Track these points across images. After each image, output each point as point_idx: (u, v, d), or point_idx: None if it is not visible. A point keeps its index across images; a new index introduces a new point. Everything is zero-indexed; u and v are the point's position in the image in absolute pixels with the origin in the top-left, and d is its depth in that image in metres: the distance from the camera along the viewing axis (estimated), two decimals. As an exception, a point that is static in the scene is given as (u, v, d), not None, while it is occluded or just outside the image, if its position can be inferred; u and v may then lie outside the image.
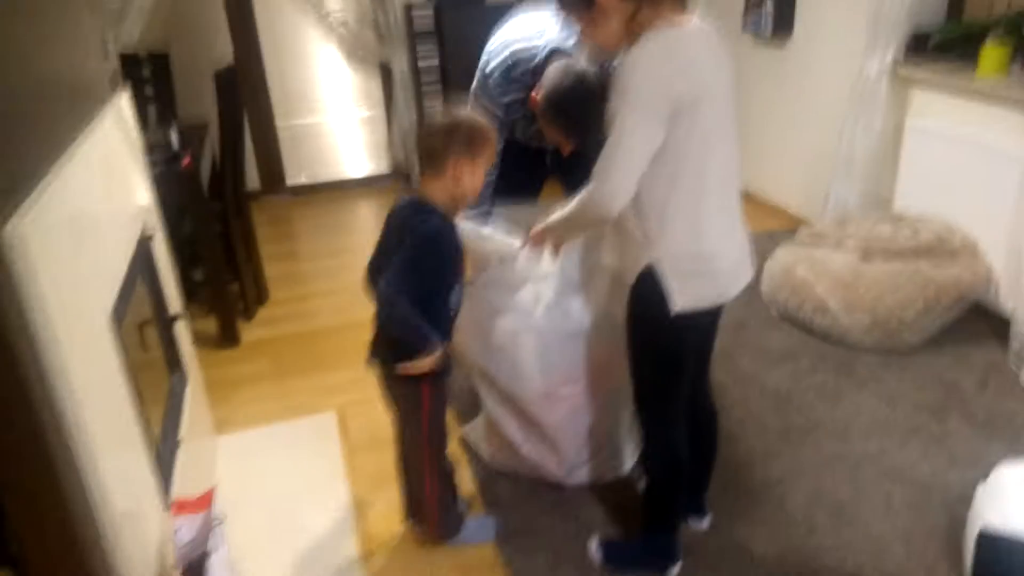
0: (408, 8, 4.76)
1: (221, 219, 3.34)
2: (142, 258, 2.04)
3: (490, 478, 2.41)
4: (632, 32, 1.59)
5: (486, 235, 2.03)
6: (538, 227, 1.92)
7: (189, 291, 3.55)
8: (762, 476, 2.37)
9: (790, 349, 3.05)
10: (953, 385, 2.76)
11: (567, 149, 2.11)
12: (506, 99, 2.26)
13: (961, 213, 3.12)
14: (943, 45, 3.31)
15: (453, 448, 2.54)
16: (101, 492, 1.33)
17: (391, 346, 1.92)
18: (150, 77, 3.90)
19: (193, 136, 3.33)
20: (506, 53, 2.23)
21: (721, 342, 3.08)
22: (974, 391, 2.73)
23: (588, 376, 2.15)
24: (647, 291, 1.71)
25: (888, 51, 3.35)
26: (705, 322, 1.81)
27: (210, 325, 3.35)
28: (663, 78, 1.54)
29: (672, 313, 1.69)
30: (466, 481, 2.40)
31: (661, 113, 1.55)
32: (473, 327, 2.14)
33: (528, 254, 1.99)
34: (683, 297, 1.69)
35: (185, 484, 1.98)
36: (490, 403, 2.27)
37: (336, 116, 5.21)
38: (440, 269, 1.84)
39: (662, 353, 1.81)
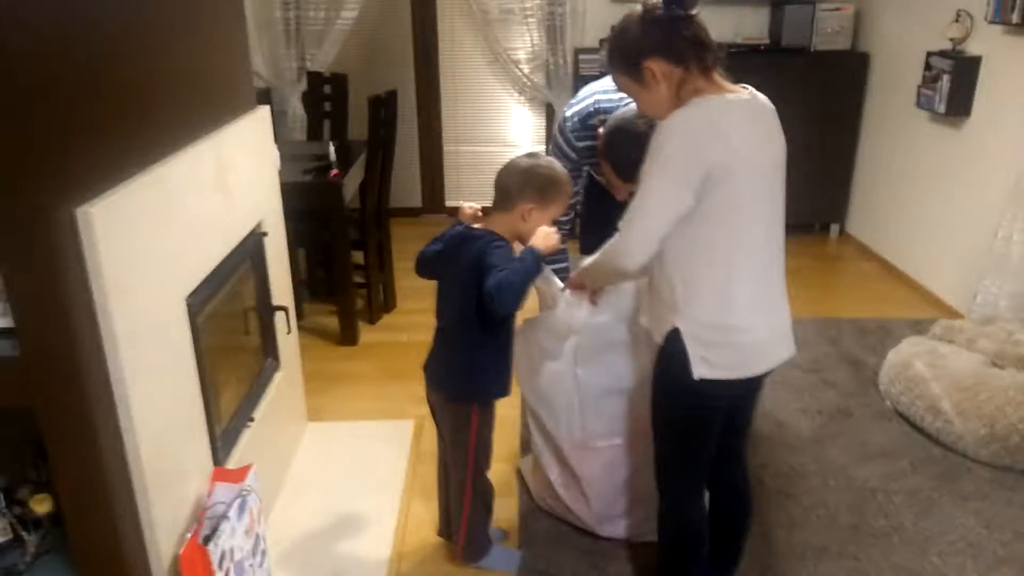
0: (578, 52, 4.92)
1: (360, 229, 3.65)
2: (250, 254, 2.32)
3: (532, 513, 2.46)
4: (681, 99, 1.61)
5: (546, 275, 2.10)
6: (576, 272, 1.97)
7: (322, 290, 3.92)
8: (809, 574, 2.23)
9: (892, 446, 2.82)
10: (1071, 521, 2.44)
11: (620, 193, 2.11)
12: (581, 144, 2.33)
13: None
14: None
15: (508, 477, 2.62)
16: (137, 450, 1.55)
17: (449, 374, 2.05)
18: (330, 95, 4.33)
19: (354, 152, 3.68)
20: (589, 101, 2.31)
21: (814, 425, 2.95)
22: (1095, 533, 2.39)
23: (627, 434, 2.15)
24: (671, 354, 1.71)
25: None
26: (732, 394, 1.76)
27: (335, 323, 3.66)
28: (696, 144, 1.55)
29: (692, 379, 1.68)
30: (510, 511, 2.46)
31: (690, 178, 1.56)
32: (526, 364, 2.22)
33: (569, 297, 2.04)
34: (705, 365, 1.67)
35: (254, 456, 2.19)
36: (537, 441, 2.33)
37: (504, 149, 5.46)
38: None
39: (682, 419, 1.79)
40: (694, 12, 1.60)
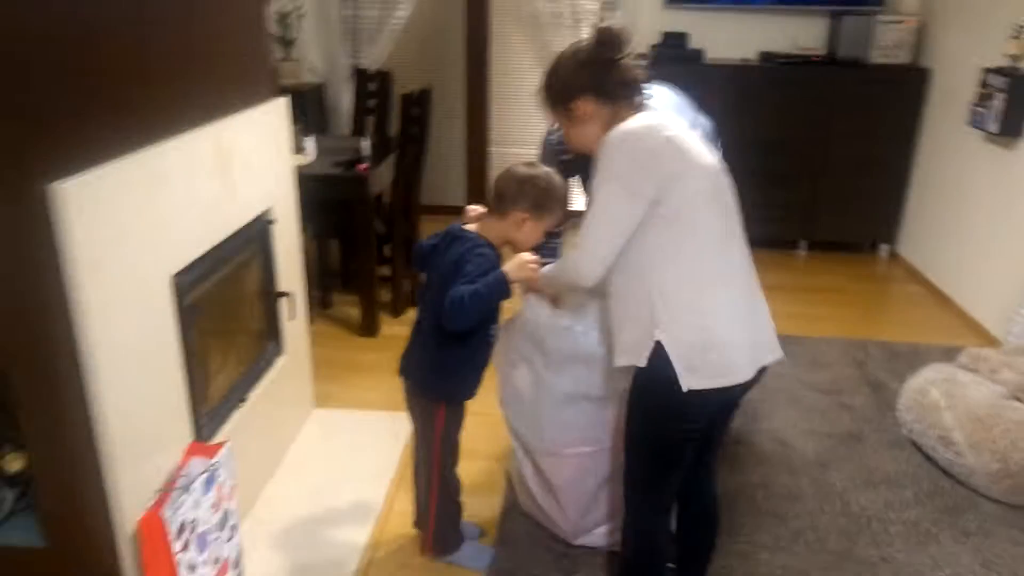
0: (626, 58, 4.89)
1: (387, 223, 3.74)
2: (255, 240, 2.41)
3: (513, 514, 2.47)
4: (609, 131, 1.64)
5: None
6: (540, 273, 1.96)
7: (349, 280, 4.03)
8: (787, 596, 2.18)
9: (898, 474, 2.72)
10: (1080, 568, 2.31)
11: None
12: (565, 157, 2.33)
13: None
14: None
15: (496, 475, 2.65)
16: (105, 417, 1.63)
17: (418, 368, 2.09)
18: (375, 92, 4.44)
19: (392, 148, 3.77)
20: None
21: (820, 448, 2.87)
22: (1103, 583, 2.26)
23: (597, 443, 2.14)
24: (654, 370, 1.64)
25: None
26: (714, 409, 1.71)
27: (359, 313, 3.75)
28: (643, 154, 1.56)
29: (679, 393, 1.61)
30: (492, 509, 2.49)
31: (641, 188, 1.56)
32: (503, 364, 2.24)
33: (532, 299, 2.06)
34: (692, 376, 1.61)
35: (245, 436, 2.31)
36: (515, 445, 2.34)
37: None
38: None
39: (660, 437, 1.74)
40: (622, 56, 1.66)
